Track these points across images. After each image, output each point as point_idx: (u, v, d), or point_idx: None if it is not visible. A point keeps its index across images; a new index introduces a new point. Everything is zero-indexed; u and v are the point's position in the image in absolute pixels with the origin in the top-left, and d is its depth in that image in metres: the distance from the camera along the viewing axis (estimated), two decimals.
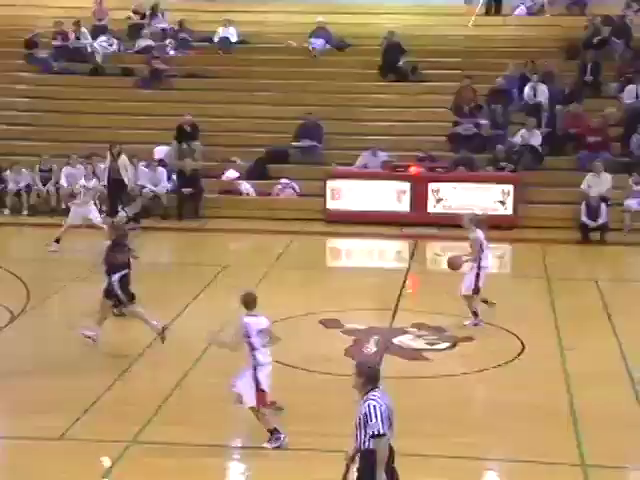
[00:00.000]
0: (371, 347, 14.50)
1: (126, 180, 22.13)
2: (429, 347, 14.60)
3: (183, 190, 23.28)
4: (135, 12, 29.31)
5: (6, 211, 23.10)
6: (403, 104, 25.85)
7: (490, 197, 22.81)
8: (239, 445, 11.33)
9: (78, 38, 27.83)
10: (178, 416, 11.72)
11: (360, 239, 22.12)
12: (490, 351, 14.45)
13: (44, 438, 11.07)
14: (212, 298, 16.84)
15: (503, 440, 11.37)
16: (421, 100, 26.06)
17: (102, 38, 27.95)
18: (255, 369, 10.77)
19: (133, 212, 15.97)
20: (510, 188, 22.79)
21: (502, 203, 22.80)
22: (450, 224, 21.88)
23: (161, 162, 23.97)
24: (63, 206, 22.96)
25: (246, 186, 23.79)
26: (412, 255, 20.89)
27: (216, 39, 28.35)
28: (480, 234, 15.57)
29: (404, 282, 18.28)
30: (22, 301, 16.18)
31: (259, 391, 10.78)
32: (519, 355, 14.23)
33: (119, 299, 14.37)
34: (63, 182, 23.24)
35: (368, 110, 25.78)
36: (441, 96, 25.70)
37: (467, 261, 15.66)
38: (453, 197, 22.88)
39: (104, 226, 18.43)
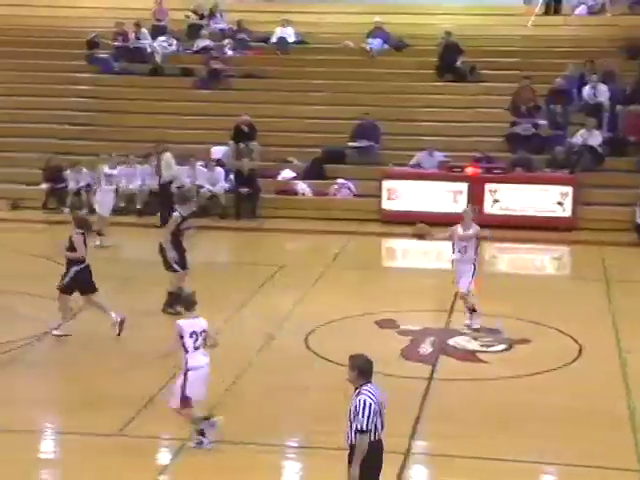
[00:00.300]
0: (426, 348, 14.46)
1: (167, 178, 22.28)
2: (484, 349, 14.52)
3: (240, 190, 23.40)
4: (194, 12, 29.52)
5: (66, 210, 23.39)
6: (460, 104, 25.73)
7: (548, 198, 22.62)
8: (293, 444, 11.37)
9: (138, 38, 28.12)
10: (232, 415, 11.77)
11: (416, 239, 22.00)
12: (547, 353, 14.32)
13: (101, 434, 11.19)
14: (268, 297, 16.90)
15: (560, 444, 11.26)
16: (478, 101, 25.92)
17: (161, 38, 28.19)
18: (185, 374, 10.66)
19: (187, 212, 16.00)
20: (569, 190, 22.58)
21: (560, 204, 22.59)
22: (507, 225, 21.81)
23: (219, 162, 24.12)
24: (122, 204, 23.24)
25: (302, 186, 23.85)
26: None
27: (274, 39, 28.45)
28: (478, 229, 15.33)
29: None
30: (80, 298, 16.34)
31: (183, 398, 10.66)
32: (577, 358, 14.09)
33: (80, 289, 14.60)
34: (122, 182, 23.51)
35: (425, 110, 25.70)
36: (498, 97, 25.54)
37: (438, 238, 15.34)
38: (510, 198, 22.72)
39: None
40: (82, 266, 14.71)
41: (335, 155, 24.55)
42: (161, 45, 28.07)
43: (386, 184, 23.12)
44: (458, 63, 26.63)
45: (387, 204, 23.01)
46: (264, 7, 29.88)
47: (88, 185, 23.58)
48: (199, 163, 23.70)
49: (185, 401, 10.70)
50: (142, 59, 27.81)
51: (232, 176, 23.80)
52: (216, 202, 23.47)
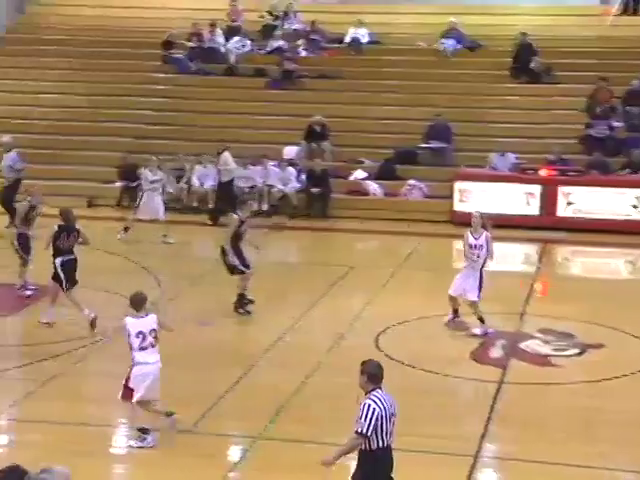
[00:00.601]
0: (497, 351, 14.37)
1: (225, 177, 22.49)
2: (557, 353, 14.38)
3: (312, 190, 23.49)
4: (269, 13, 29.67)
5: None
6: (534, 106, 25.48)
7: (623, 201, 22.31)
8: None
9: (213, 39, 28.35)
10: (302, 414, 11.83)
11: None
12: (621, 359, 14.13)
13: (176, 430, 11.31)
14: (338, 298, 16.94)
15: (632, 451, 11.12)
16: (553, 102, 25.65)
17: (236, 39, 28.39)
18: (131, 368, 10.81)
19: (245, 215, 16.00)
20: None
21: (635, 208, 22.27)
22: (580, 228, 21.57)
23: (291, 162, 24.23)
24: (194, 204, 23.48)
25: (374, 187, 23.84)
26: (540, 259, 20.59)
27: (347, 40, 28.49)
28: (489, 235, 15.02)
29: (532, 286, 18.03)
30: (154, 295, 16.55)
31: (126, 387, 10.81)
32: None
33: (61, 282, 14.84)
34: (194, 181, 23.76)
35: (498, 112, 25.52)
36: (573, 98, 25.25)
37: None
38: (585, 201, 22.46)
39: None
40: (68, 258, 15.00)
41: (407, 156, 24.50)
42: (235, 45, 28.27)
43: (458, 185, 23.00)
44: (533, 64, 26.38)
45: (459, 206, 22.89)
46: (338, 8, 29.90)
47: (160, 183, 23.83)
48: (271, 163, 23.84)
49: (127, 392, 10.81)
50: (216, 59, 28.05)
51: (304, 176, 23.89)
52: (287, 202, 23.58)
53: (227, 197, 21.99)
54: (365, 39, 28.46)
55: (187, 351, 14.07)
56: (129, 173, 23.68)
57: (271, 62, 27.64)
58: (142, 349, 10.79)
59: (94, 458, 10.54)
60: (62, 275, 14.91)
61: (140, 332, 10.78)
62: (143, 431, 10.98)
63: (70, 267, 15.03)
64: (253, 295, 15.93)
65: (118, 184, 24.06)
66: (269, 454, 10.83)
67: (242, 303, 15.76)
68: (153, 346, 10.86)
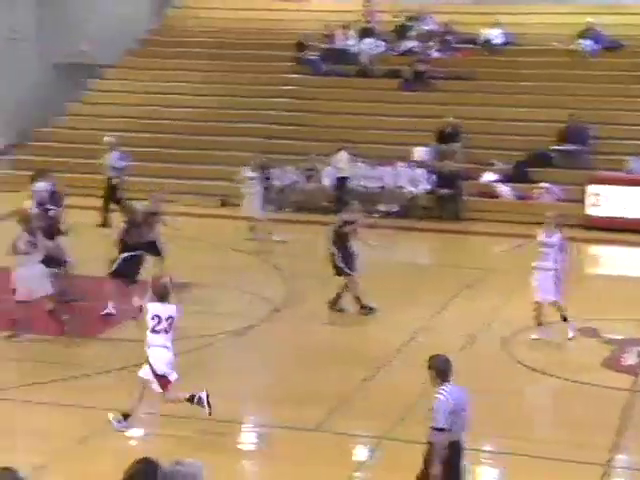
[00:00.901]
0: (630, 358, 14.03)
1: (339, 175, 22.49)
2: None
3: (441, 191, 23.36)
4: (403, 14, 29.60)
5: (270, 207, 23.91)
6: None
7: None
8: (483, 448, 11.16)
9: (345, 40, 28.47)
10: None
11: (622, 247, 21.43)
12: None
13: (299, 428, 11.42)
14: (469, 300, 16.80)
15: None
16: None
17: (369, 40, 28.44)
18: (149, 348, 11.08)
19: (350, 216, 16.01)
20: None
21: None
22: None
23: (421, 163, 24.15)
24: (324, 204, 23.64)
25: (504, 189, 23.57)
26: None
27: (480, 40, 28.22)
28: (560, 237, 14.59)
29: None
30: (282, 294, 16.75)
31: (157, 376, 11.01)
32: None
33: (125, 277, 15.05)
34: (325, 181, 23.93)
35: (636, 114, 24.88)
36: None
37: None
38: None
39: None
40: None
41: (541, 158, 24.12)
42: (368, 46, 28.32)
43: (591, 189, 22.53)
44: None
45: (592, 210, 22.42)
46: (472, 8, 29.63)
47: (293, 183, 24.09)
48: (400, 164, 23.81)
49: (163, 381, 11.07)
50: (349, 60, 28.16)
51: (434, 177, 23.78)
52: (417, 203, 23.51)
53: (340, 196, 22.18)
54: (499, 40, 28.14)
55: (314, 350, 14.18)
56: (260, 173, 23.93)
57: (404, 63, 27.59)
58: (154, 332, 11.12)
59: (222, 453, 10.69)
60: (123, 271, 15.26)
61: (157, 315, 11.14)
62: (126, 416, 11.23)
63: (134, 263, 15.36)
64: (379, 295, 15.95)
65: None
66: (396, 455, 10.81)
67: (336, 301, 15.80)
68: (166, 332, 11.16)
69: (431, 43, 28.19)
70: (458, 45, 28.43)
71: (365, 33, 28.70)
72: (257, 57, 28.57)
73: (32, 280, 14.09)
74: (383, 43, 28.51)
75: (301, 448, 11.00)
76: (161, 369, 11.11)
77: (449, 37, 28.44)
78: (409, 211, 23.38)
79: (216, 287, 17.24)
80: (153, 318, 11.15)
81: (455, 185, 23.41)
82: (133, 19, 30.55)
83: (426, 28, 28.85)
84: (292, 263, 19.22)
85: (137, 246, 15.44)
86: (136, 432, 11.27)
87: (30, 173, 18.88)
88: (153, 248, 16.51)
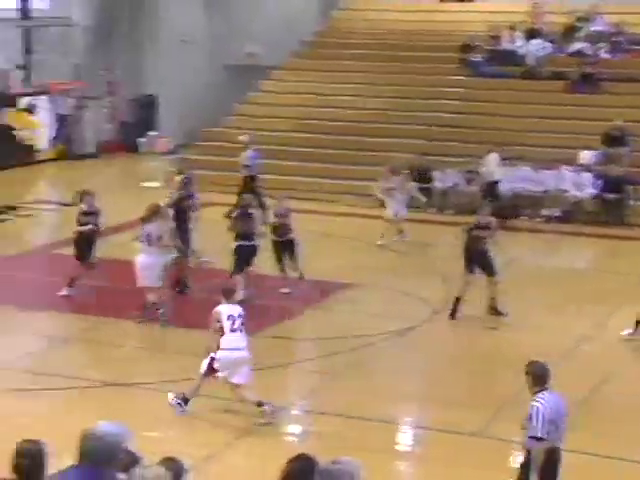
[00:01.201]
0: None
1: (488, 179, 22.38)
2: None
3: (607, 196, 22.78)
4: (572, 15, 28.98)
5: (431, 209, 23.83)
6: None
7: None
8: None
9: (511, 42, 28.10)
10: (596, 426, 11.46)
11: None
12: None
13: (456, 432, 11.34)
14: (635, 307, 16.32)
15: None
16: None
17: (536, 41, 27.96)
18: (216, 352, 11.43)
19: (482, 220, 15.73)
20: None
21: None
22: None
23: (587, 167, 23.61)
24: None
25: None
26: None
27: None
28: None
29: None
30: (440, 295, 16.65)
31: (209, 367, 11.49)
32: None
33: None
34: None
35: None
36: None
37: None
38: None
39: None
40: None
41: None
42: (535, 48, 27.86)
43: None
44: None
45: None
46: None
47: (453, 186, 23.95)
48: (565, 167, 23.34)
49: (209, 370, 11.49)
50: (515, 62, 27.77)
51: (600, 181, 23.21)
52: (581, 207, 22.99)
53: (489, 199, 21.96)
54: None
55: (474, 353, 14.07)
56: (420, 175, 23.95)
57: (571, 65, 27.01)
58: (232, 331, 11.44)
59: (377, 453, 10.68)
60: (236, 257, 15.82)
61: (230, 315, 11.50)
62: (186, 401, 11.61)
63: (247, 252, 15.80)
64: (539, 301, 15.70)
65: (412, 185, 24.32)
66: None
67: (492, 308, 15.59)
68: (242, 331, 11.53)
69: (601, 44, 27.51)
70: (629, 46, 27.63)
71: (532, 34, 28.23)
72: (421, 59, 28.49)
73: (153, 269, 14.78)
74: (550, 44, 27.99)
75: (457, 451, 10.92)
76: (220, 366, 11.44)
77: (620, 38, 27.67)
78: (572, 216, 22.89)
79: (375, 287, 17.30)
80: (229, 318, 11.49)
81: (621, 189, 22.79)
82: (299, 21, 30.99)
83: (596, 29, 28.16)
84: (450, 265, 19.10)
85: (248, 236, 15.87)
86: (271, 415, 11.41)
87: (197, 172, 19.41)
88: (289, 247, 16.67)
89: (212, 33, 32.59)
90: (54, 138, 29.89)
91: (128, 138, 31.41)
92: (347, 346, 14.14)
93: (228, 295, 11.77)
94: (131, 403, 11.98)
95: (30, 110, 29.08)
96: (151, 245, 14.88)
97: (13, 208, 22.92)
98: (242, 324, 11.57)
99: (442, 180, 24.12)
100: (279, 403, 11.97)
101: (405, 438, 11.80)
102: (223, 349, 11.47)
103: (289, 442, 11.47)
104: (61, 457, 6.04)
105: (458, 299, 15.54)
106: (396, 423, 12.00)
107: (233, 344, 11.48)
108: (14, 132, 28.29)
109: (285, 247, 16.70)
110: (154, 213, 15.12)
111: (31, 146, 28.89)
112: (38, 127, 29.21)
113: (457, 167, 24.17)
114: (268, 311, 15.61)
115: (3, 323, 15.16)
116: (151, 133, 31.54)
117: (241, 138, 23.04)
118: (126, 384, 12.62)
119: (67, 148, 29.97)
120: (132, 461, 6.16)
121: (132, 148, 31.10)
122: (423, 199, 22.51)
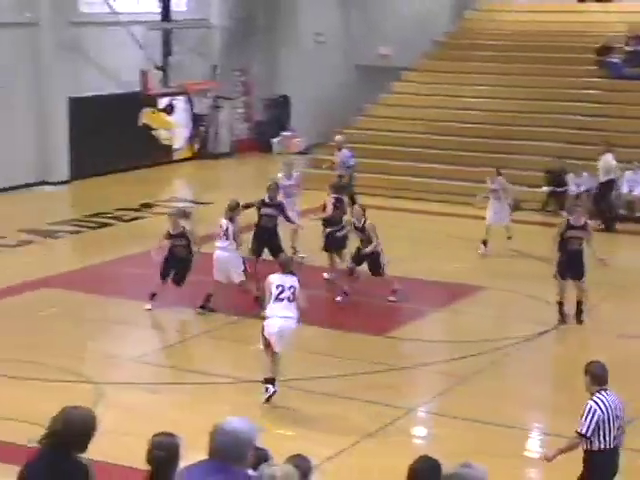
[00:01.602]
0: None
1: (603, 179, 22.02)
2: None
3: None
4: None
5: (564, 213, 23.44)
6: None
7: None
8: None
9: None
10: None
11: None
12: None
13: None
14: None
15: None
16: None
17: None
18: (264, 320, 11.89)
19: (576, 220, 15.27)
20: None
21: None
22: None
23: None
24: (622, 211, 22.90)
25: None
26: None
27: None
28: None
29: None
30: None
31: (262, 334, 11.85)
32: None
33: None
34: (624, 187, 23.21)
35: None
36: None
37: None
38: None
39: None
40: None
41: None
42: None
43: None
44: None
45: None
46: None
47: (588, 190, 23.51)
48: None
49: (264, 340, 11.88)
50: None
51: None
52: None
53: (605, 201, 21.51)
54: None
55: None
56: (556, 178, 23.61)
57: None
58: (278, 299, 11.80)
59: (504, 458, 10.63)
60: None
61: (280, 285, 11.88)
62: (266, 381, 11.81)
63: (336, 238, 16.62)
64: None
65: (545, 189, 24.02)
66: None
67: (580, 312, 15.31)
68: (290, 301, 11.83)
69: None
70: None
71: None
72: (556, 60, 28.04)
73: (229, 264, 15.27)
74: None
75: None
76: (267, 333, 11.81)
77: None
78: None
79: (499, 290, 17.15)
80: (277, 287, 11.88)
81: None
82: (431, 21, 30.85)
83: None
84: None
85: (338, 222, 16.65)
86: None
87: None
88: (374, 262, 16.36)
89: (346, 33, 32.76)
90: (190, 137, 30.55)
91: (262, 138, 31.87)
92: (476, 349, 14.06)
93: (284, 266, 12.29)
94: (258, 400, 12.11)
95: (168, 110, 29.80)
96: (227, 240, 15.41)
97: (150, 206, 23.58)
98: (293, 294, 11.87)
99: (577, 184, 23.71)
100: (405, 404, 12.00)
101: (533, 444, 11.67)
102: (267, 317, 11.90)
103: (412, 444, 11.48)
104: (193, 451, 6.20)
105: (561, 304, 15.25)
106: (525, 428, 11.87)
107: (274, 312, 11.83)
108: (152, 132, 29.03)
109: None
110: (231, 210, 15.66)
111: (168, 146, 29.62)
112: (175, 127, 29.89)
113: (592, 171, 23.74)
114: (393, 313, 15.65)
115: (140, 318, 15.58)
116: (284, 133, 31.92)
117: (337, 138, 23.09)
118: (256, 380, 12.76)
119: (202, 147, 30.61)
120: (261, 458, 6.27)
121: (266, 148, 31.53)
122: (518, 204, 22.11)
